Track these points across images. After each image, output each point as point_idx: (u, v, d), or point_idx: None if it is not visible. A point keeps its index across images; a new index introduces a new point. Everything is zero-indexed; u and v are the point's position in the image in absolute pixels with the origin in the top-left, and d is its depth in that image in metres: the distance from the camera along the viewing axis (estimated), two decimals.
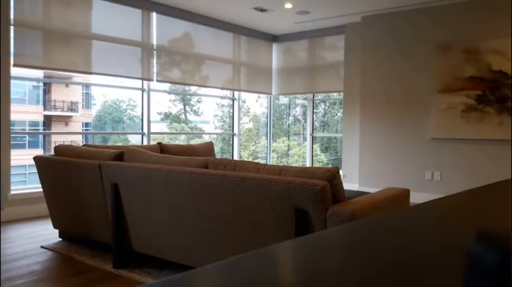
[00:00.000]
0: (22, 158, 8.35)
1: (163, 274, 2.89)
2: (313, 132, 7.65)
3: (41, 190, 3.79)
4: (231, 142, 7.55)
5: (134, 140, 7.18)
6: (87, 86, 11.81)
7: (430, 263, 0.52)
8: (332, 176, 2.23)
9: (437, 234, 0.68)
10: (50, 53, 4.72)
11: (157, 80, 5.80)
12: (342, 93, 6.84)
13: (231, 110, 7.63)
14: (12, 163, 4.58)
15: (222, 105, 9.19)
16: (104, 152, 3.31)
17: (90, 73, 5.19)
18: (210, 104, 9.42)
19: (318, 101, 8.10)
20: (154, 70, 5.75)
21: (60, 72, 5.28)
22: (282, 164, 4.89)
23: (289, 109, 9.17)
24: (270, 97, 7.96)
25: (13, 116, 4.63)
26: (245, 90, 7.23)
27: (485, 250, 0.34)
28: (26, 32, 4.51)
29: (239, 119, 7.45)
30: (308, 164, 7.54)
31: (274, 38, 7.61)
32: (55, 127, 11.10)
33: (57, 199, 3.61)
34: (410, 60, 5.78)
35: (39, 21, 4.63)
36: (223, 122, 9.33)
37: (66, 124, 11.17)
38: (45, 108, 10.75)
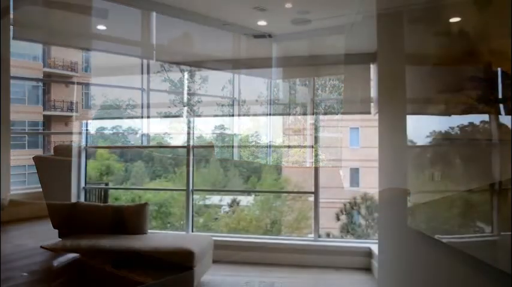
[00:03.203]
0: (22, 158, 8.34)
1: (164, 274, 2.88)
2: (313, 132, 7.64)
3: (41, 190, 3.78)
4: (231, 142, 7.55)
5: (134, 140, 7.17)
6: (86, 85, 11.79)
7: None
8: None
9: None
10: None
11: (156, 60, 5.77)
12: (342, 94, 6.83)
13: (231, 110, 7.62)
14: (12, 163, 4.57)
15: (222, 105, 9.17)
16: None
17: (89, 50, 5.19)
18: (210, 104, 9.40)
19: (318, 101, 8.08)
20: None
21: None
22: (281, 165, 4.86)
23: (289, 109, 9.15)
24: (270, 84, 7.91)
25: (13, 116, 4.62)
26: (246, 68, 7.14)
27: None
28: (26, 32, 4.51)
29: (239, 119, 7.44)
30: (308, 164, 7.53)
31: (274, 38, 7.59)
32: (55, 127, 11.08)
33: (57, 199, 3.61)
34: None
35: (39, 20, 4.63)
36: (223, 122, 9.31)
37: (66, 124, 11.15)
38: (44, 108, 10.72)
